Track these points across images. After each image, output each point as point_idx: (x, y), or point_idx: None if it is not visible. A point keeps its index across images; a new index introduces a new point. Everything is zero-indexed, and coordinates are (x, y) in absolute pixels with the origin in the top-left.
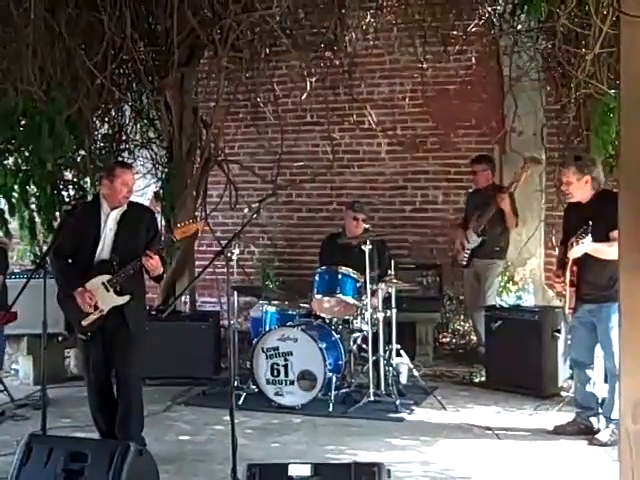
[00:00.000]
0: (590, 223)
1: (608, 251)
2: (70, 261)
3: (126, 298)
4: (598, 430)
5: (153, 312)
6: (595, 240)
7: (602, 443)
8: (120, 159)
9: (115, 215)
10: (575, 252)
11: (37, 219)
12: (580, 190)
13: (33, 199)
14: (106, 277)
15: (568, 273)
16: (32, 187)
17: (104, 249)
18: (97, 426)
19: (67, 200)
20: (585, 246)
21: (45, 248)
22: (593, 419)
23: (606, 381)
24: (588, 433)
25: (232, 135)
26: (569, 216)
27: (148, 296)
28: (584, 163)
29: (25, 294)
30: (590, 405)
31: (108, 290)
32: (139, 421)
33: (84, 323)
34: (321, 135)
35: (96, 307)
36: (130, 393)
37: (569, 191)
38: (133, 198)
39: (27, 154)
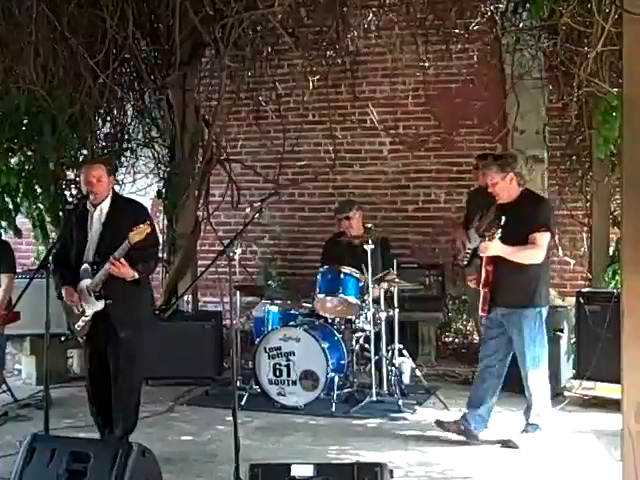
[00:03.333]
0: (503, 218)
1: (522, 255)
2: (70, 263)
3: (100, 304)
4: (477, 434)
5: (156, 312)
6: (513, 242)
7: (515, 446)
8: (122, 158)
9: (98, 214)
10: (485, 250)
11: (47, 218)
12: (506, 189)
13: (39, 198)
14: (89, 281)
15: (483, 273)
16: (35, 186)
17: (90, 251)
18: (97, 427)
19: (69, 200)
20: (497, 248)
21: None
22: (475, 421)
23: (522, 390)
24: (467, 435)
25: (234, 134)
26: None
27: None
28: (505, 161)
29: (28, 294)
30: (477, 405)
31: (90, 294)
32: (126, 427)
33: (76, 327)
34: (323, 134)
35: (83, 311)
36: (120, 400)
37: (496, 192)
38: (135, 197)
39: (30, 153)
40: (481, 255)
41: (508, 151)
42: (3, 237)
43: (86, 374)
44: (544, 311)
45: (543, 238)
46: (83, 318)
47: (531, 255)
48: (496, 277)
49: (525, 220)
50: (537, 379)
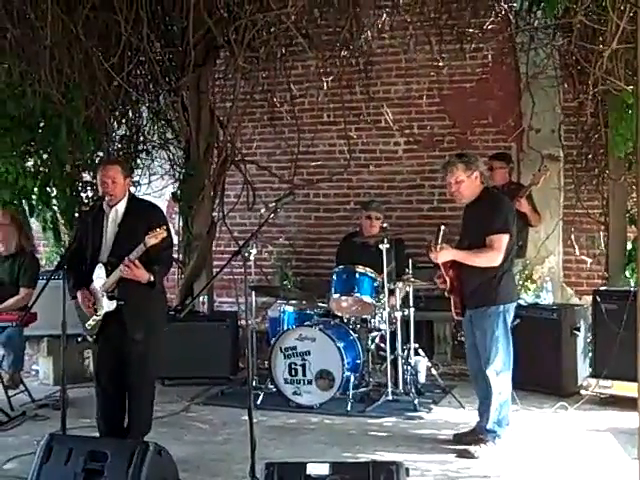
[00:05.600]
0: (442, 227)
1: (477, 260)
2: (85, 264)
3: (112, 304)
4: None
5: (171, 312)
6: (473, 242)
7: (472, 456)
8: (138, 160)
9: (113, 215)
10: (436, 258)
11: (60, 220)
12: (470, 188)
13: (54, 201)
14: (102, 282)
15: (447, 280)
16: (52, 189)
17: (105, 252)
18: (99, 431)
19: (86, 202)
20: (447, 254)
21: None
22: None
23: (486, 395)
24: (485, 444)
25: (249, 135)
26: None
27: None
28: (469, 159)
29: (45, 295)
30: (487, 410)
31: (103, 295)
32: (142, 429)
33: (87, 326)
34: (338, 134)
35: (95, 311)
36: (133, 403)
37: (460, 191)
38: (150, 199)
39: (46, 156)
40: (436, 262)
41: (467, 151)
42: None
43: (94, 376)
44: (509, 310)
45: (501, 241)
46: (94, 317)
47: (487, 259)
48: (460, 281)
49: (483, 220)
50: (498, 380)
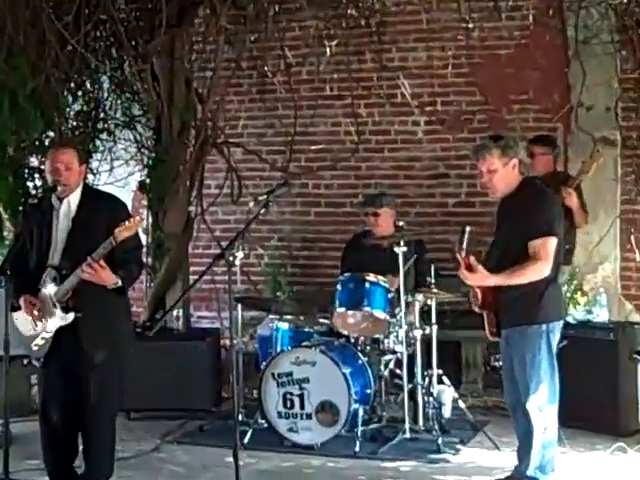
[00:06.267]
0: (468, 228)
1: (519, 279)
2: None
3: (69, 317)
4: None
5: (138, 329)
6: (506, 249)
7: None
8: (97, 141)
9: (65, 209)
10: (466, 279)
11: (4, 215)
12: (506, 179)
13: None
14: (54, 289)
15: (479, 293)
16: None
17: (55, 253)
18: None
19: (32, 192)
20: (478, 278)
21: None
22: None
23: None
24: None
25: (234, 111)
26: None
27: (132, 309)
28: (506, 143)
29: None
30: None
31: (55, 306)
32: (102, 473)
33: (34, 345)
34: (343, 111)
35: (44, 326)
36: (90, 443)
37: (493, 182)
38: (113, 190)
39: None
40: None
41: (505, 132)
42: None
43: (39, 409)
44: (554, 329)
45: (547, 247)
46: (43, 335)
47: (534, 273)
48: (494, 293)
49: (523, 220)
50: (542, 416)
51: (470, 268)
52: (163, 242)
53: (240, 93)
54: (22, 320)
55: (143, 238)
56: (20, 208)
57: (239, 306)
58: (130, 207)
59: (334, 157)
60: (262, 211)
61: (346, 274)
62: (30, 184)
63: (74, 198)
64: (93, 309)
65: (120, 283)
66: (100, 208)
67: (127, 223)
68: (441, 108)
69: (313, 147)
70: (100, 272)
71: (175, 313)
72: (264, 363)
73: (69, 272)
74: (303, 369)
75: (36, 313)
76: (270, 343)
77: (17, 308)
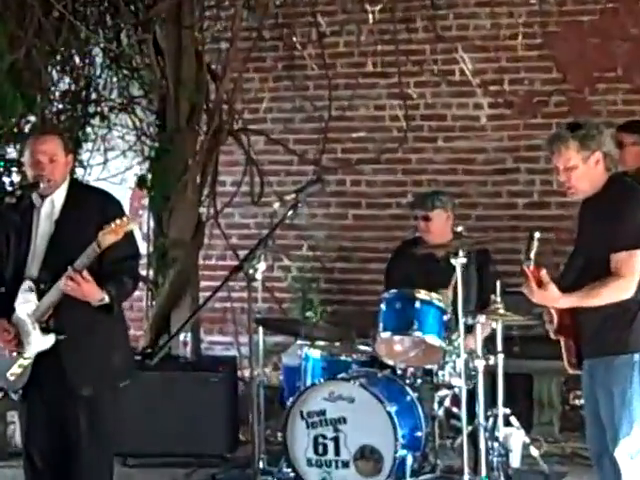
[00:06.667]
0: (536, 234)
1: (598, 300)
2: (5, 281)
3: (47, 340)
4: None
5: (137, 357)
6: (588, 260)
7: None
8: (87, 128)
9: (48, 209)
10: (532, 297)
11: None
12: (589, 176)
13: None
14: (32, 307)
15: (554, 316)
16: None
17: (34, 263)
18: None
19: (9, 189)
20: (553, 297)
21: None
22: None
23: None
24: None
25: (255, 92)
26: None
27: (131, 333)
28: (588, 132)
29: None
30: None
31: (33, 326)
32: None
33: (9, 376)
34: (389, 92)
35: (22, 352)
36: None
37: (572, 181)
38: (107, 187)
39: None
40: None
41: (587, 118)
42: None
43: (23, 452)
44: None
45: (634, 262)
46: (20, 362)
47: (615, 291)
48: (574, 316)
49: (607, 226)
50: (633, 466)
51: (540, 283)
52: (167, 251)
53: (262, 69)
54: None
55: (143, 246)
56: None
57: (260, 329)
58: (127, 208)
59: (377, 148)
60: (289, 214)
61: (392, 291)
62: (6, 179)
63: (59, 196)
64: (78, 330)
65: (107, 299)
66: (89, 207)
67: (112, 225)
68: (509, 88)
69: (352, 135)
70: (83, 285)
71: (182, 337)
72: (291, 399)
73: (49, 286)
74: (339, 407)
75: (11, 341)
76: (298, 375)
77: None
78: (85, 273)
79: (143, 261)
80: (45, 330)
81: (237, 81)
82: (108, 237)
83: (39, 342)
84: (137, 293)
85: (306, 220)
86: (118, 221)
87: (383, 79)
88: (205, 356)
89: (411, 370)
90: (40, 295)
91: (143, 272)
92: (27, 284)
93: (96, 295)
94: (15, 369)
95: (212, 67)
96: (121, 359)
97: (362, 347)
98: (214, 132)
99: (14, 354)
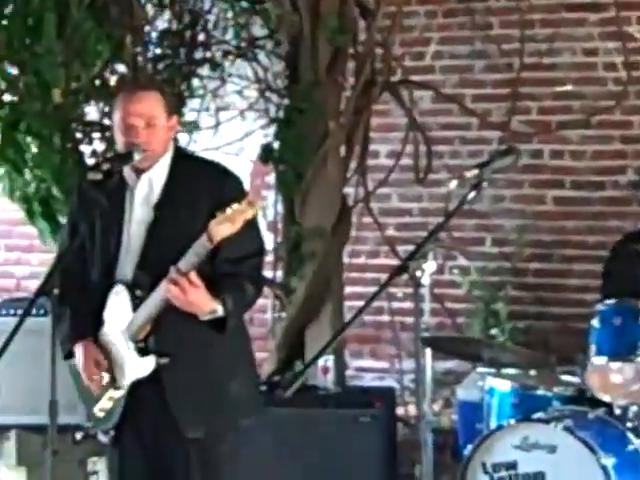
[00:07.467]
0: None
1: None
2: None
3: (149, 365)
4: None
5: (263, 387)
6: None
7: None
8: (193, 80)
9: (145, 189)
10: None
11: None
12: None
13: (29, 161)
14: (125, 320)
15: None
16: (25, 137)
17: (127, 260)
18: None
19: (91, 164)
20: None
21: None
22: None
23: None
24: None
25: (419, 31)
26: None
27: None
28: None
29: (13, 349)
30: None
31: (127, 346)
32: None
33: (97, 411)
34: (602, 31)
35: (113, 380)
36: None
37: None
38: (219, 158)
39: (14, 71)
40: None
41: None
42: None
43: None
44: None
45: None
46: (111, 394)
47: None
48: None
49: None
50: None
51: None
52: (301, 245)
53: (429, 0)
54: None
55: (268, 239)
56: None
57: (428, 352)
58: (247, 187)
59: (586, 107)
60: (470, 197)
61: (609, 301)
62: (86, 149)
63: (159, 172)
64: (185, 352)
65: (220, 312)
66: (200, 187)
67: (228, 211)
68: None
69: (551, 90)
70: (189, 292)
71: (322, 362)
72: (469, 447)
73: (147, 292)
74: (535, 457)
75: (99, 368)
76: (479, 414)
77: (72, 354)
78: (193, 276)
79: (268, 259)
80: (143, 351)
81: (395, 16)
82: (222, 228)
83: (135, 367)
84: (260, 302)
85: (489, 205)
86: (235, 206)
87: (594, 13)
88: (352, 387)
89: (634, 410)
90: (136, 304)
91: (268, 273)
92: (119, 289)
93: (206, 305)
94: (104, 403)
95: None
96: (242, 390)
97: (566, 377)
98: (364, 86)
99: (105, 382)
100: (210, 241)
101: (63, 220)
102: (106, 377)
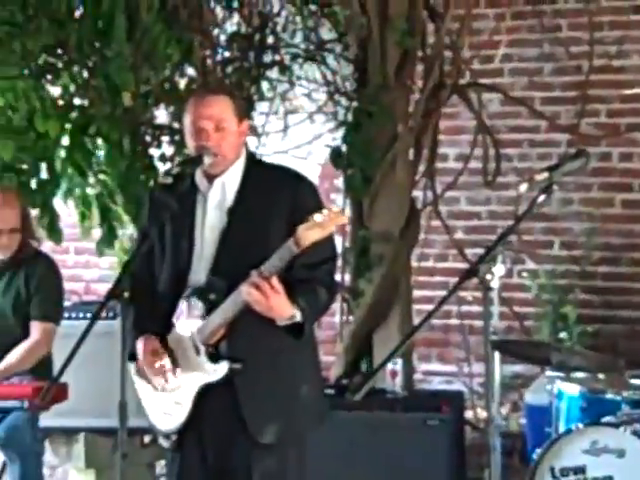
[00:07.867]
0: None
1: None
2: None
3: (221, 370)
4: None
5: (330, 390)
6: None
7: None
8: (262, 83)
9: (218, 196)
10: None
11: (119, 200)
12: None
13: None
14: (197, 324)
15: None
16: (95, 139)
17: (200, 265)
18: None
19: (160, 166)
20: None
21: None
22: None
23: None
24: None
25: (488, 34)
26: None
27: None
28: None
29: (83, 352)
30: None
31: (198, 351)
32: None
33: (163, 415)
34: None
35: (179, 386)
36: None
37: None
38: (287, 162)
39: (85, 74)
40: None
41: None
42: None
43: None
44: None
45: None
46: (176, 399)
47: None
48: None
49: None
50: None
51: None
52: (369, 249)
53: (498, 3)
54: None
55: (337, 241)
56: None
57: (496, 355)
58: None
59: None
60: (540, 200)
61: None
62: (155, 152)
63: (232, 177)
64: (258, 358)
65: (298, 317)
66: (275, 193)
67: (318, 218)
68: None
69: (620, 92)
70: (271, 297)
71: (390, 366)
72: (537, 451)
73: (221, 297)
74: (604, 462)
75: (161, 367)
76: (547, 418)
77: (136, 358)
78: (275, 281)
79: (339, 262)
80: (214, 357)
81: (464, 19)
82: (312, 233)
83: (206, 373)
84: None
85: (558, 208)
86: (326, 212)
87: None
88: (420, 391)
89: None
90: (209, 308)
91: (338, 277)
92: (191, 293)
93: (286, 311)
94: (170, 407)
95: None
96: (311, 394)
97: (635, 381)
98: (433, 89)
99: (168, 386)
100: (297, 245)
101: (120, 228)
102: (167, 363)
